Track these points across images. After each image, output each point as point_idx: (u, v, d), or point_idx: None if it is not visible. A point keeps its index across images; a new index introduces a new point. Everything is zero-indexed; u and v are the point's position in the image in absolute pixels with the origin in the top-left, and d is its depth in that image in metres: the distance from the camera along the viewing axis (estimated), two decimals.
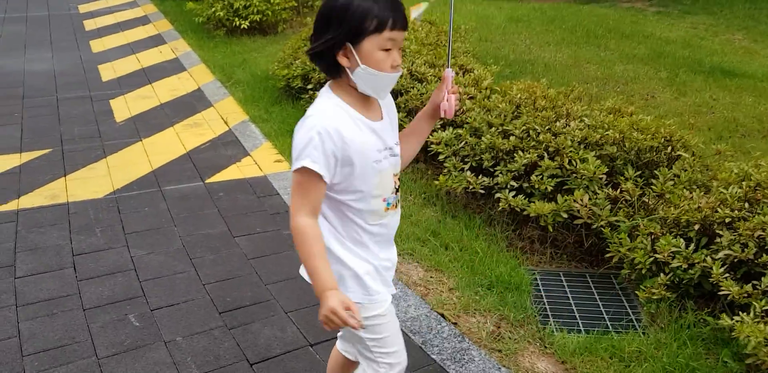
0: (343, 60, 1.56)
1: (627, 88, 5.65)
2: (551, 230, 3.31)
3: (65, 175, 4.06)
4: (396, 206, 1.76)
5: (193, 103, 5.46)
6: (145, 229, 3.47)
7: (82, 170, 4.15)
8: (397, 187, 1.74)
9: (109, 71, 6.27)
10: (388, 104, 1.76)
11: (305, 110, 1.62)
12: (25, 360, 2.50)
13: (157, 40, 7.46)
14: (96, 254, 3.22)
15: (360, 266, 1.73)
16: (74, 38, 7.51)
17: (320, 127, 1.53)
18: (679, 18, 8.71)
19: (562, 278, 3.31)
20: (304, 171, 1.53)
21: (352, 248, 1.72)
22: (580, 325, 2.94)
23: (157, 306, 2.85)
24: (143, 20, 8.43)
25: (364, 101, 1.65)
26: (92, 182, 3.99)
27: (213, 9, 7.19)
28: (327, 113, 1.58)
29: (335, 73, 1.60)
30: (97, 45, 7.22)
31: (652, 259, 2.96)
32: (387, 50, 1.55)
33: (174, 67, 6.49)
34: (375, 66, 1.55)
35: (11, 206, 3.67)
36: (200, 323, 2.75)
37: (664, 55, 6.65)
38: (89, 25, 8.19)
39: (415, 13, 2.08)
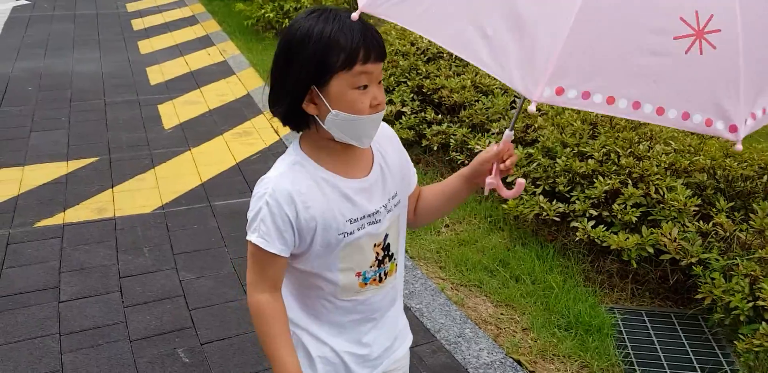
0: (309, 107, 1.26)
1: None
2: (634, 265, 3.01)
3: (113, 187, 3.90)
4: (382, 281, 1.42)
5: (242, 110, 5.27)
6: (194, 249, 3.27)
7: (130, 181, 3.98)
8: (381, 257, 1.40)
9: (157, 74, 6.13)
10: (384, 148, 1.43)
11: None
12: None
13: (205, 42, 7.31)
14: (143, 277, 3.03)
15: (315, 348, 1.43)
16: (122, 38, 7.41)
17: (269, 196, 1.26)
18: None
19: (645, 318, 3.01)
20: (254, 246, 1.29)
21: (309, 325, 1.42)
22: None
23: (208, 340, 2.64)
24: (191, 20, 8.30)
25: (343, 153, 1.33)
26: (140, 195, 3.81)
27: (263, 10, 7.01)
28: (281, 176, 1.29)
29: (302, 124, 1.30)
30: (145, 46, 7.10)
31: (751, 305, 2.65)
32: (363, 87, 1.24)
33: (222, 70, 6.32)
34: (349, 109, 1.24)
35: (57, 219, 3.51)
36: (253, 362, 2.53)
37: None
38: (137, 24, 8.09)
39: None
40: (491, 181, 1.42)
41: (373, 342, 1.48)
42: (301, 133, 1.35)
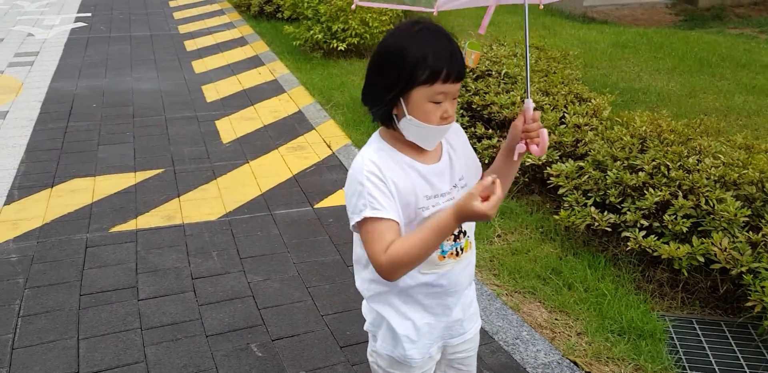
0: (393, 109, 1.46)
1: (750, 121, 5.33)
2: (685, 274, 3.10)
3: (179, 196, 4.12)
4: (458, 255, 1.59)
5: (294, 126, 5.50)
6: (259, 254, 3.46)
7: (195, 191, 4.20)
8: (456, 232, 1.57)
9: (212, 92, 6.41)
10: (452, 139, 1.62)
11: None
12: None
13: (255, 62, 7.61)
14: (214, 279, 3.22)
15: (400, 325, 1.61)
16: (176, 58, 7.75)
17: (368, 172, 1.44)
18: None
19: (696, 326, 3.08)
20: (369, 220, 1.41)
21: (395, 302, 1.60)
22: None
23: (278, 336, 2.80)
24: (241, 41, 8.64)
25: (417, 145, 1.51)
26: (205, 204, 4.03)
27: (311, 32, 7.28)
28: (371, 158, 1.47)
29: (388, 120, 1.49)
30: (199, 65, 7.42)
31: None
32: (437, 103, 1.42)
33: (273, 88, 6.59)
34: (422, 118, 1.43)
35: (130, 225, 3.74)
36: (322, 357, 2.68)
37: None
38: (189, 45, 8.45)
39: (469, 60, 1.82)
40: (519, 146, 1.58)
41: (452, 315, 1.67)
42: (381, 127, 1.55)
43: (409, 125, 1.44)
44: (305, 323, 2.90)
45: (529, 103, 1.58)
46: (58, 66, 7.27)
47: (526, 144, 1.56)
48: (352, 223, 1.46)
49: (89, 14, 10.35)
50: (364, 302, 1.74)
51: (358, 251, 1.64)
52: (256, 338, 2.79)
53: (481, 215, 1.28)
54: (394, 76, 1.40)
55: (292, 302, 3.04)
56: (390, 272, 1.40)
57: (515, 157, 1.60)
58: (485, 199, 1.29)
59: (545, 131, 1.56)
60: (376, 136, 1.56)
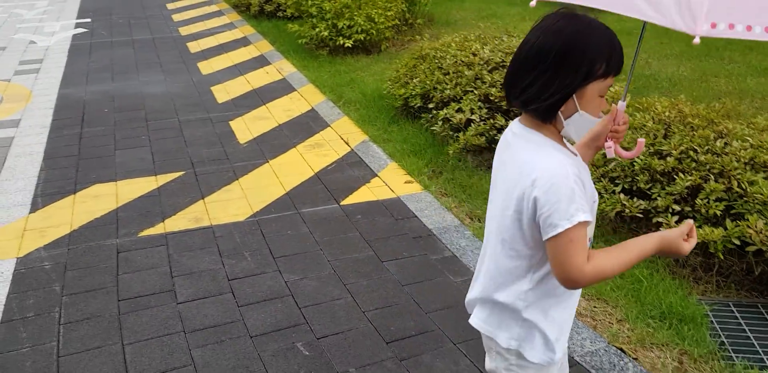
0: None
1: (766, 103, 5.34)
2: (721, 257, 3.11)
3: (203, 198, 4.12)
4: None
5: (309, 124, 5.49)
6: (292, 253, 3.46)
7: (218, 193, 4.20)
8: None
9: (222, 93, 6.40)
10: None
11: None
12: None
13: (261, 61, 7.59)
14: (251, 279, 3.22)
15: (557, 327, 1.60)
16: (182, 60, 7.72)
17: (575, 176, 1.39)
18: None
19: (733, 309, 3.10)
20: (580, 225, 1.37)
21: (551, 306, 1.58)
22: (766, 361, 2.73)
23: (323, 334, 2.81)
24: (244, 41, 8.62)
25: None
26: (231, 205, 4.02)
27: (317, 29, 7.26)
28: (564, 162, 1.41)
29: (552, 117, 1.44)
30: (205, 67, 7.40)
31: None
32: (602, 96, 1.44)
33: (283, 87, 6.57)
34: (592, 112, 1.43)
35: (158, 229, 3.74)
36: (369, 353, 2.69)
37: None
38: (193, 47, 8.42)
39: None
40: (609, 144, 1.64)
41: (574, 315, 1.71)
42: (526, 121, 1.52)
43: (579, 120, 1.43)
44: (348, 320, 2.90)
45: (622, 105, 1.62)
46: (65, 72, 7.24)
47: (614, 144, 1.64)
48: (556, 231, 1.37)
49: (89, 20, 10.30)
50: (490, 318, 1.64)
51: (507, 262, 1.56)
52: (301, 336, 2.80)
53: (681, 252, 1.47)
54: (573, 71, 1.37)
55: (332, 300, 3.05)
56: (588, 282, 1.41)
57: (608, 155, 1.67)
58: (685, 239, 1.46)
59: (643, 141, 1.70)
60: (537, 135, 1.48)
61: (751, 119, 3.94)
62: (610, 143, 1.65)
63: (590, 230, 1.52)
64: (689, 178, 3.27)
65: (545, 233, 1.40)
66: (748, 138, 3.46)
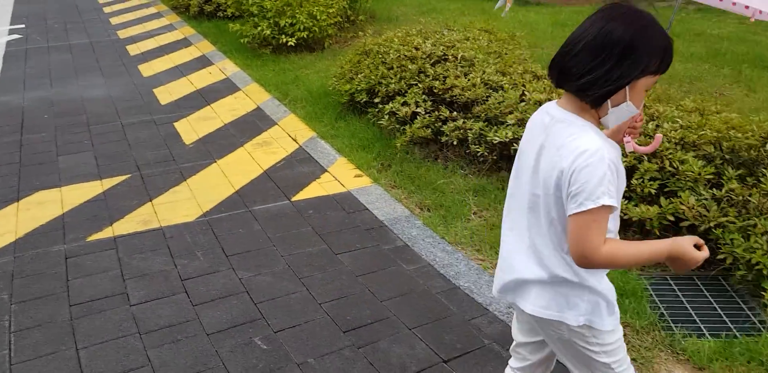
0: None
1: (693, 86, 5.58)
2: (657, 234, 3.26)
3: (151, 200, 4.09)
4: None
5: (256, 122, 5.48)
6: (245, 250, 3.47)
7: (166, 194, 4.17)
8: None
9: (165, 94, 6.33)
10: None
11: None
12: None
13: (203, 62, 7.52)
14: (204, 278, 3.23)
15: (610, 291, 1.69)
16: (122, 63, 7.59)
17: (609, 161, 1.46)
18: (723, 15, 8.63)
19: (671, 282, 3.26)
20: (603, 208, 1.44)
21: (600, 276, 1.66)
22: (703, 329, 2.89)
23: (280, 328, 2.84)
24: (184, 43, 8.51)
25: None
26: (180, 206, 4.00)
27: (259, 28, 7.23)
28: (603, 145, 1.49)
29: (601, 103, 1.52)
30: (146, 69, 7.29)
31: None
32: (646, 91, 1.54)
33: (227, 87, 6.54)
34: (636, 104, 1.53)
35: (107, 233, 3.69)
36: (327, 343, 2.73)
37: (721, 52, 6.58)
38: (132, 49, 8.28)
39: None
40: (628, 139, 1.72)
41: None
42: (565, 104, 1.59)
43: (624, 110, 1.51)
44: (304, 312, 2.94)
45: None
46: (0, 80, 7.03)
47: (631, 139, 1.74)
48: (580, 209, 1.45)
49: (22, 25, 10.00)
50: (554, 302, 1.67)
51: (562, 238, 1.61)
52: (258, 331, 2.82)
53: (689, 260, 1.50)
54: (635, 63, 1.45)
55: (288, 294, 3.08)
56: (599, 263, 1.49)
57: (627, 150, 1.77)
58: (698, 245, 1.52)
59: (660, 136, 1.78)
60: (576, 118, 1.55)
61: (680, 102, 4.13)
62: (628, 138, 1.74)
63: (615, 222, 1.61)
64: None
65: (569, 209, 1.48)
66: (678, 119, 3.64)
